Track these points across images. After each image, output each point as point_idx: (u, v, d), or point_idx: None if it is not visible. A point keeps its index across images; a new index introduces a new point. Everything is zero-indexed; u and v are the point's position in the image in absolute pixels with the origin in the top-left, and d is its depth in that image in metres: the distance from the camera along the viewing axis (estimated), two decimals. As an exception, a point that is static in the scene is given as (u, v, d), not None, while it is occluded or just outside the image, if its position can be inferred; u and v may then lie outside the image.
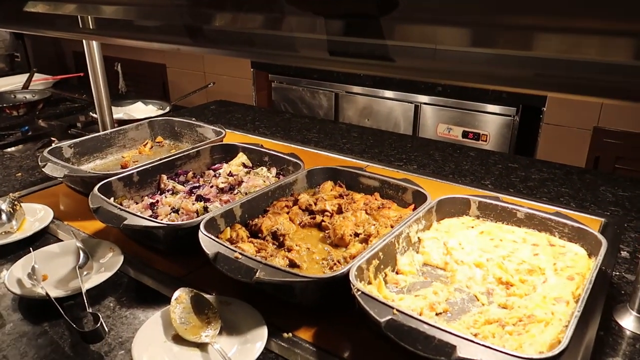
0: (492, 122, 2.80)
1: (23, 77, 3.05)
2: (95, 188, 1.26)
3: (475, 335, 0.87)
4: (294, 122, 2.20)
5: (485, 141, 2.86)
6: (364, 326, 0.90)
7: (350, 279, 0.90)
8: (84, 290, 1.00)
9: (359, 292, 0.87)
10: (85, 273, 1.07)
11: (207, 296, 0.99)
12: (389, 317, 0.80)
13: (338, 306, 0.98)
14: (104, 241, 1.19)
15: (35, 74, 2.89)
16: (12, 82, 3.04)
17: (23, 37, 4.50)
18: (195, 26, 1.23)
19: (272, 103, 3.67)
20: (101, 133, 1.71)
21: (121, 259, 1.12)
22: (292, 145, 1.84)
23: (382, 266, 1.02)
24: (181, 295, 0.97)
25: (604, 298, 0.97)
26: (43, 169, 1.43)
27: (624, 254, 1.18)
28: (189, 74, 4.07)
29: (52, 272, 1.10)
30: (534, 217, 1.14)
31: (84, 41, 1.70)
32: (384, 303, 0.84)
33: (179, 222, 1.14)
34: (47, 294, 0.99)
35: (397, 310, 0.81)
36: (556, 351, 0.72)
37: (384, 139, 1.97)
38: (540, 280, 0.98)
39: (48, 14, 1.37)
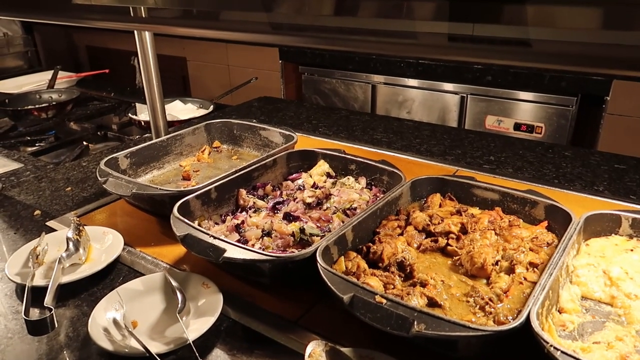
0: (548, 112, 2.61)
1: (43, 75, 2.86)
2: (175, 209, 1.08)
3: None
4: (353, 120, 2.01)
5: (540, 134, 2.68)
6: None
7: (537, 331, 0.72)
8: (191, 341, 0.83)
9: (558, 352, 0.69)
10: (184, 318, 0.89)
11: (344, 350, 0.81)
12: (617, 389, 0.63)
13: (504, 358, 0.80)
14: (195, 274, 1.01)
15: (59, 72, 2.68)
16: (33, 81, 2.84)
17: (32, 32, 4.28)
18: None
19: (302, 96, 3.48)
20: (157, 140, 1.52)
21: (220, 298, 0.94)
22: (370, 149, 1.65)
23: (550, 306, 0.85)
24: (315, 351, 0.79)
25: None
26: (105, 185, 1.24)
27: None
28: (211, 67, 3.87)
29: (141, 316, 0.92)
30: None
31: (135, 33, 1.50)
32: (596, 367, 0.66)
33: (291, 254, 0.95)
34: (145, 348, 0.81)
35: (625, 379, 0.63)
36: None
37: (462, 137, 1.78)
38: None
39: (92, 5, 1.19)
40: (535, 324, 0.74)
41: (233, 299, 0.98)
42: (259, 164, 1.33)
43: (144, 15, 1.34)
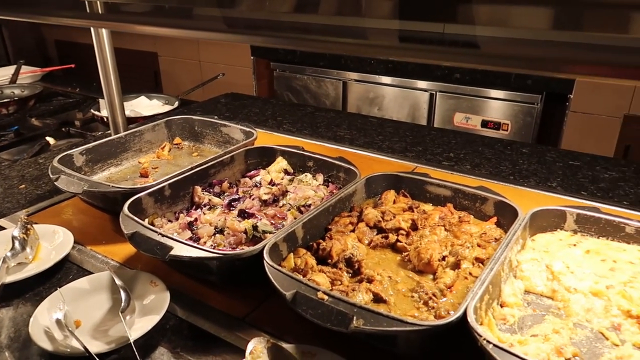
0: (514, 110, 2.66)
1: (7, 70, 2.78)
2: (125, 207, 1.07)
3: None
4: (318, 116, 2.01)
5: (507, 131, 2.72)
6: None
7: (472, 325, 0.74)
8: (132, 341, 0.82)
9: (491, 346, 0.70)
10: (127, 317, 0.88)
11: (286, 346, 0.81)
12: (543, 381, 0.64)
13: (447, 352, 0.81)
14: (143, 273, 1.00)
15: (22, 67, 2.62)
16: (-5, 76, 2.77)
17: (0, 26, 4.18)
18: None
19: (274, 92, 3.47)
20: (115, 136, 1.50)
21: (167, 296, 0.93)
22: (330, 146, 1.66)
23: (490, 300, 0.86)
24: (256, 348, 0.79)
25: None
26: (56, 183, 1.22)
27: None
28: (182, 63, 3.83)
29: (85, 316, 0.91)
30: (647, 232, 0.99)
31: (92, 30, 1.48)
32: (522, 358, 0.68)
33: (239, 251, 0.95)
34: (85, 348, 0.80)
35: (550, 371, 0.65)
36: None
37: (424, 134, 1.80)
38: (679, 313, 0.84)
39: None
40: (471, 318, 0.75)
41: (181, 297, 0.97)
42: (215, 161, 1.32)
43: (100, 11, 1.32)
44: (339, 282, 0.93)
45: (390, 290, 0.93)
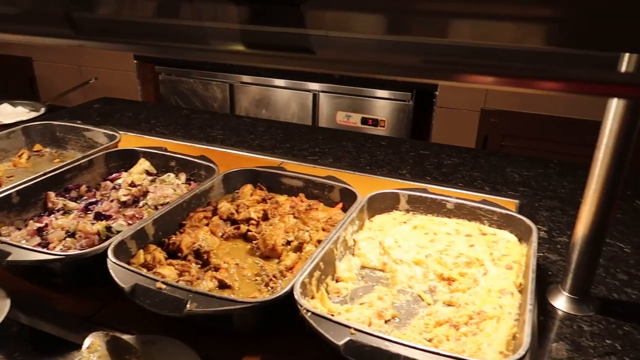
0: (389, 107, 2.85)
1: None
2: (-38, 217, 1.03)
3: (430, 340, 0.84)
4: (193, 118, 2.03)
5: (384, 127, 2.91)
6: (315, 348, 0.82)
7: (296, 297, 0.81)
8: (-38, 352, 0.80)
9: (309, 313, 0.78)
10: (-40, 328, 0.85)
11: (127, 337, 0.84)
12: (347, 338, 0.73)
13: (283, 328, 0.88)
14: (-18, 283, 0.97)
15: None
16: None
17: None
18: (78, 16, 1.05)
19: (161, 97, 3.40)
20: (-39, 146, 1.42)
21: (7, 303, 0.92)
22: (198, 146, 1.69)
23: (322, 277, 0.95)
24: (94, 342, 0.81)
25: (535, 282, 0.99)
26: None
27: (542, 234, 1.23)
28: (61, 68, 3.62)
29: None
30: (463, 206, 1.14)
31: None
32: (338, 323, 0.76)
33: (80, 251, 0.95)
34: None
35: (355, 329, 0.74)
36: (522, 352, 0.70)
37: (293, 132, 1.89)
38: (480, 272, 0.98)
39: None
40: (297, 292, 0.83)
41: (25, 303, 0.95)
42: (71, 166, 1.30)
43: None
44: (187, 273, 0.98)
45: (236, 277, 0.99)
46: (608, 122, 0.82)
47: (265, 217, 1.16)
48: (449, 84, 2.67)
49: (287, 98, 3.06)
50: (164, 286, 0.84)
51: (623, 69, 0.76)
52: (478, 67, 0.67)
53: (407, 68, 0.74)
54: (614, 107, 0.81)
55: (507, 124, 2.71)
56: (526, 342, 0.72)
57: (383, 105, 2.87)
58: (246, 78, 3.11)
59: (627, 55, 0.75)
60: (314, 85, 2.96)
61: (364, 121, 2.93)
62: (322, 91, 2.96)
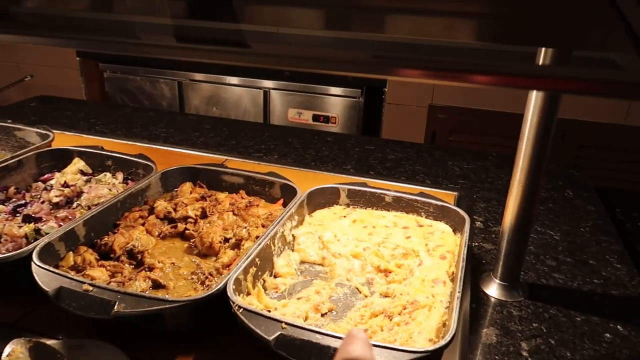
0: (340, 104, 2.87)
1: None
2: None
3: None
4: (136, 116, 1.98)
5: (335, 123, 2.93)
6: (249, 344, 0.81)
7: (229, 294, 0.80)
8: None
9: (241, 310, 0.78)
10: None
11: (52, 342, 0.80)
12: (278, 332, 0.73)
13: (218, 326, 0.87)
14: None
15: None
16: None
17: None
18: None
19: (107, 96, 3.29)
20: None
21: None
22: (139, 144, 1.64)
23: (259, 273, 0.94)
24: (15, 349, 0.77)
25: (470, 270, 1.02)
26: None
27: (478, 224, 1.27)
28: (-4, 65, 3.45)
29: None
30: (400, 199, 1.16)
31: None
32: (270, 317, 0.76)
33: (2, 255, 0.91)
34: None
35: (286, 323, 0.74)
36: (448, 338, 0.72)
37: (240, 129, 1.87)
38: (415, 263, 1.00)
39: None
40: (230, 288, 0.82)
41: (-56, 312, 0.90)
42: (-2, 167, 1.24)
43: None
44: (120, 274, 0.95)
45: (171, 276, 0.97)
46: (529, 114, 0.85)
47: (203, 215, 1.14)
48: (392, 79, 2.72)
49: (238, 95, 3.03)
50: (91, 288, 0.81)
51: (540, 62, 0.79)
52: (413, 62, 0.68)
53: (352, 63, 0.74)
54: (534, 100, 0.84)
55: (453, 120, 2.78)
56: (452, 328, 0.73)
57: (334, 102, 2.88)
58: (197, 75, 3.05)
59: (543, 49, 0.78)
60: (266, 83, 2.94)
61: (316, 118, 2.94)
62: (274, 88, 2.94)
